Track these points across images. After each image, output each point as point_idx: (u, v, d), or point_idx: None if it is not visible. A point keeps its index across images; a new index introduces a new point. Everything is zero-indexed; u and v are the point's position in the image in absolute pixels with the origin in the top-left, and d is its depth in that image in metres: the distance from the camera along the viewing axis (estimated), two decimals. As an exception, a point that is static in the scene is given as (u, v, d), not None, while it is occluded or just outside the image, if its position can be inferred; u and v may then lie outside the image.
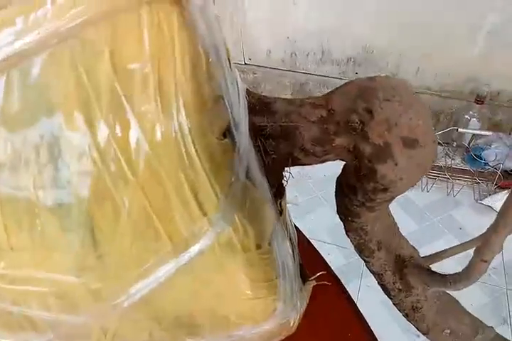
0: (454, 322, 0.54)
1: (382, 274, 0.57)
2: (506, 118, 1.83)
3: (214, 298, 0.26)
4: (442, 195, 1.82)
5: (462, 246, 0.56)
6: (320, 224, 1.68)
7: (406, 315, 0.57)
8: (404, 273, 0.54)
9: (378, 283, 0.59)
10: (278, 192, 0.39)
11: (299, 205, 1.77)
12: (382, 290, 0.59)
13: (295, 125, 0.40)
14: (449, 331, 0.54)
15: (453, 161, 1.92)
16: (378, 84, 0.36)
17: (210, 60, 0.21)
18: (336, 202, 0.55)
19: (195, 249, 0.22)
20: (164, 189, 0.21)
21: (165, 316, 0.26)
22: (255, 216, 0.24)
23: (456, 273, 0.44)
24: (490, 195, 1.78)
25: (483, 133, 1.65)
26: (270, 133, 0.40)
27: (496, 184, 1.79)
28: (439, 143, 2.00)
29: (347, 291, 0.55)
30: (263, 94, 0.42)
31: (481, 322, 0.55)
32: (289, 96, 2.12)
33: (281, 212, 0.37)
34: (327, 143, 0.39)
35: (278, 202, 0.38)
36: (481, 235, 0.43)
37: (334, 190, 0.55)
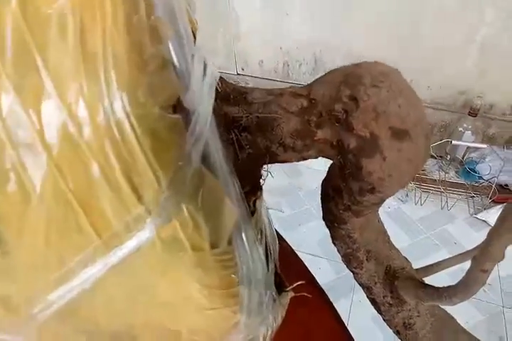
0: (449, 339, 0.50)
1: (371, 287, 0.52)
2: (500, 132, 1.81)
3: (159, 308, 0.21)
4: (436, 208, 1.79)
5: (458, 258, 0.52)
6: (311, 236, 1.63)
7: (397, 333, 0.52)
8: (396, 285, 0.50)
9: (367, 296, 0.54)
10: (253, 190, 0.35)
11: (289, 217, 1.73)
12: (372, 304, 0.54)
13: (273, 116, 0.36)
14: (444, 351, 0.49)
15: (447, 175, 1.90)
16: (365, 69, 0.33)
17: (154, 16, 0.18)
18: (322, 207, 0.50)
19: (129, 244, 0.18)
20: (88, 169, 0.17)
21: (98, 330, 0.22)
22: (211, 209, 0.20)
23: (452, 286, 0.40)
24: (485, 209, 1.74)
25: (477, 145, 1.63)
26: (246, 126, 0.36)
27: (490, 198, 1.76)
28: (432, 156, 1.98)
29: (333, 306, 0.51)
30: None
31: (477, 340, 0.50)
32: (281, 107, 2.10)
33: (253, 212, 0.32)
34: (308, 137, 0.35)
35: (252, 201, 0.34)
36: (479, 244, 0.39)
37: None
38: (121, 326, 0.22)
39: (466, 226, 1.71)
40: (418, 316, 0.50)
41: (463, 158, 1.84)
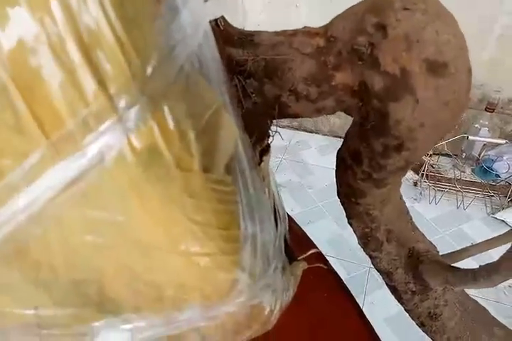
0: (482, 334, 0.44)
1: (391, 272, 0.47)
2: (519, 129, 1.74)
3: (132, 250, 0.16)
4: (452, 207, 1.71)
5: (489, 243, 0.46)
6: (321, 235, 1.57)
7: (421, 324, 0.46)
8: (420, 270, 0.44)
9: (387, 284, 0.49)
10: (260, 142, 0.30)
11: (299, 216, 1.67)
12: (392, 293, 0.49)
13: (284, 59, 0.31)
14: (476, 345, 0.43)
15: (462, 173, 1.83)
16: (394, -6, 0.27)
17: None
18: (337, 180, 0.45)
19: (89, 152, 0.13)
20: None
21: (56, 279, 0.17)
22: (202, 121, 0.15)
23: (491, 263, 0.34)
24: (503, 208, 1.67)
25: (495, 141, 1.56)
26: (251, 71, 0.31)
27: (508, 197, 1.69)
28: (446, 155, 1.91)
29: (350, 293, 0.45)
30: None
31: (515, 334, 0.44)
32: (290, 104, 2.06)
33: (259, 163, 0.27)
34: (325, 82, 0.30)
35: (258, 152, 0.29)
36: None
37: (336, 200, 0.46)
38: (85, 273, 0.17)
39: (483, 226, 1.63)
40: (445, 305, 0.44)
41: (479, 156, 1.77)
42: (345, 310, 0.41)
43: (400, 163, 0.34)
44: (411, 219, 0.48)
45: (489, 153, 1.78)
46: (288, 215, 0.49)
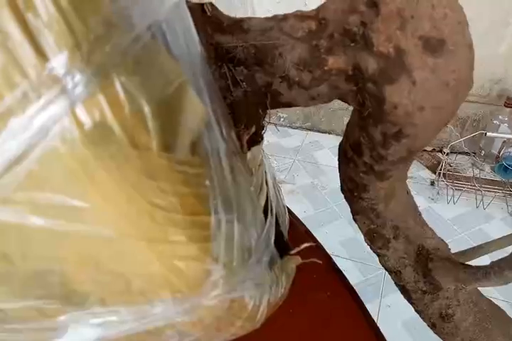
0: (499, 336, 0.41)
1: (400, 271, 0.45)
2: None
3: (94, 239, 0.15)
4: (471, 207, 1.66)
5: (506, 240, 0.43)
6: (334, 236, 1.54)
7: (433, 326, 0.44)
8: (430, 268, 0.42)
9: (396, 283, 0.47)
10: (248, 129, 0.28)
11: (312, 217, 1.64)
12: (402, 293, 0.46)
13: (274, 44, 0.30)
14: (492, 347, 0.40)
15: (481, 172, 1.77)
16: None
17: None
18: (340, 175, 0.44)
19: (30, 128, 0.12)
20: None
21: (13, 269, 0.15)
22: (162, 98, 0.14)
23: (502, 258, 0.32)
24: (525, 207, 1.61)
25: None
26: (241, 58, 0.30)
27: (531, 196, 1.63)
28: (465, 153, 1.86)
29: (355, 292, 0.43)
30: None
31: (535, 337, 0.41)
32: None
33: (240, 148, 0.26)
34: (317, 67, 0.29)
35: (245, 140, 0.27)
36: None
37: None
38: (44, 263, 0.15)
39: (504, 226, 1.58)
40: (458, 305, 0.42)
41: (499, 153, 1.71)
42: (349, 310, 0.39)
43: (401, 152, 0.32)
44: (420, 214, 0.46)
45: (510, 150, 1.72)
46: (291, 212, 0.47)
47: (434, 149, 1.95)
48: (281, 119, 2.16)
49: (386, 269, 0.47)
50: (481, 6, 1.40)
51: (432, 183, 1.78)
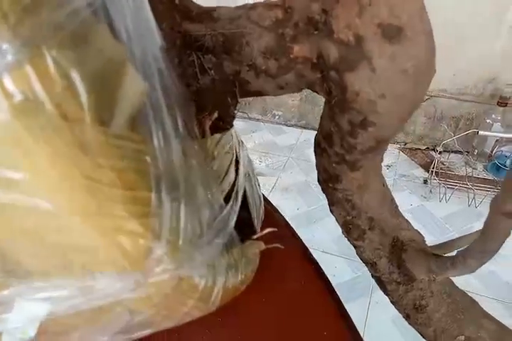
0: (470, 326, 0.41)
1: (375, 262, 0.45)
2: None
3: (31, 212, 0.15)
4: (463, 206, 1.67)
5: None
6: (326, 234, 1.55)
7: (407, 317, 0.44)
8: (403, 259, 0.42)
9: (372, 275, 0.47)
10: (218, 124, 0.29)
11: (305, 214, 1.65)
12: (378, 284, 0.47)
13: (242, 33, 0.30)
14: (463, 338, 0.41)
15: (474, 170, 1.78)
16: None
17: None
18: (316, 167, 0.44)
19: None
20: None
21: None
22: (98, 72, 0.14)
23: (460, 252, 0.32)
24: (517, 206, 1.61)
25: (507, 135, 1.51)
26: (210, 46, 0.30)
27: (523, 195, 1.63)
28: (458, 152, 1.87)
29: (329, 281, 0.44)
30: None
31: (508, 329, 0.41)
32: (297, 102, 2.04)
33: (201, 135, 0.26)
34: (283, 55, 0.29)
35: (207, 125, 0.27)
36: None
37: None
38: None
39: (496, 225, 1.58)
40: (431, 296, 0.42)
41: (492, 152, 1.72)
42: (321, 300, 0.40)
43: (369, 141, 0.33)
44: (396, 207, 0.46)
45: (502, 149, 1.72)
46: (271, 205, 0.48)
47: (427, 148, 1.96)
48: (277, 117, 2.16)
49: (362, 260, 0.47)
50: (474, 6, 1.40)
51: (425, 181, 1.79)
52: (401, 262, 0.43)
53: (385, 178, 0.43)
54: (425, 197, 1.73)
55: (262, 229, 0.36)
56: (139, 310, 0.20)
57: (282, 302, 0.38)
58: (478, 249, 0.29)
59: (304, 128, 2.12)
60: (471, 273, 0.35)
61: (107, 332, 0.21)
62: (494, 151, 1.72)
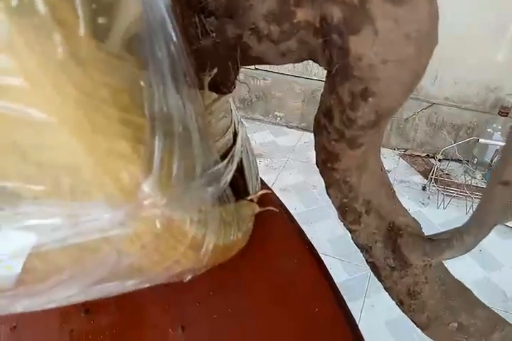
0: (463, 313, 0.41)
1: (370, 247, 0.45)
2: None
3: (16, 124, 0.15)
4: (460, 213, 1.66)
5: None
6: (323, 235, 1.54)
7: (400, 303, 0.44)
8: (399, 244, 0.42)
9: (367, 261, 0.46)
10: (218, 85, 0.28)
11: (302, 215, 1.64)
12: (372, 271, 0.46)
13: (245, -4, 0.30)
14: (456, 324, 0.40)
15: (473, 179, 1.78)
16: None
17: None
18: (315, 147, 0.44)
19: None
20: None
21: None
22: None
23: (455, 229, 0.32)
24: (514, 215, 1.60)
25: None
26: (212, 9, 0.30)
27: (521, 204, 1.62)
28: (458, 160, 1.86)
29: (323, 263, 0.43)
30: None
31: (500, 317, 0.41)
32: (299, 104, 2.05)
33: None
34: (286, 19, 0.29)
35: (205, 81, 0.27)
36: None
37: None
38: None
39: (492, 234, 1.56)
40: (425, 283, 0.42)
41: (491, 162, 1.72)
42: (314, 279, 0.39)
43: (369, 115, 0.33)
44: (394, 192, 0.46)
45: (502, 158, 1.72)
46: (265, 184, 0.47)
47: (427, 155, 1.96)
48: (278, 118, 2.17)
49: (357, 246, 0.47)
50: (477, 14, 1.41)
51: (424, 188, 1.78)
52: (396, 247, 0.42)
53: (394, 190, 0.43)
54: (423, 204, 1.73)
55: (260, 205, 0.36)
56: (127, 250, 0.20)
57: (275, 279, 0.38)
58: (475, 222, 0.29)
59: (305, 130, 2.13)
60: (466, 253, 0.34)
61: (94, 275, 0.20)
62: (494, 161, 1.72)
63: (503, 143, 1.55)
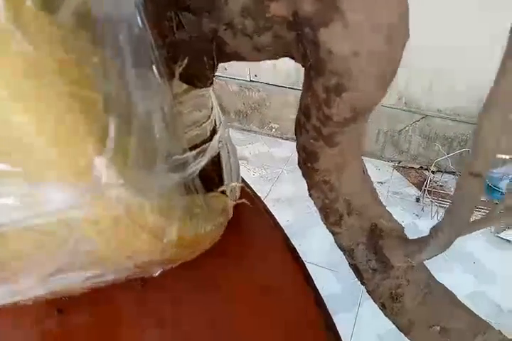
0: (446, 317, 0.40)
1: (352, 249, 0.44)
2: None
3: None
4: (454, 225, 1.65)
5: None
6: (315, 246, 1.52)
7: (383, 307, 0.43)
8: (380, 245, 0.41)
9: (349, 264, 0.46)
10: (190, 76, 0.28)
11: (294, 226, 1.63)
12: (355, 274, 0.45)
13: (221, -10, 0.30)
14: (438, 328, 0.39)
15: (467, 191, 1.77)
16: None
17: None
18: (296, 148, 0.44)
19: None
20: None
21: None
22: None
23: (433, 227, 0.32)
24: (508, 228, 1.60)
25: (499, 156, 1.51)
26: (188, 4, 0.31)
27: (514, 216, 1.62)
28: (451, 172, 1.87)
29: (305, 267, 0.42)
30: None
31: (483, 321, 0.40)
32: (294, 116, 2.06)
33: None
34: (260, 14, 0.29)
35: (176, 70, 0.27)
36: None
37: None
38: None
39: (487, 245, 1.57)
40: (407, 285, 0.41)
41: (484, 173, 1.72)
42: (294, 281, 0.39)
43: (344, 111, 0.33)
44: (377, 195, 0.45)
45: (495, 170, 1.73)
46: (250, 188, 0.47)
47: (421, 167, 1.97)
48: (273, 130, 2.18)
49: (340, 249, 0.46)
50: (469, 28, 1.44)
51: (418, 200, 1.78)
52: (378, 248, 0.42)
53: (378, 194, 0.43)
54: (417, 215, 1.72)
55: (239, 210, 0.35)
56: (87, 235, 0.19)
57: (255, 280, 0.37)
58: (448, 218, 0.28)
59: (300, 142, 2.13)
60: (442, 252, 0.34)
61: (54, 262, 0.20)
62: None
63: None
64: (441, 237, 0.30)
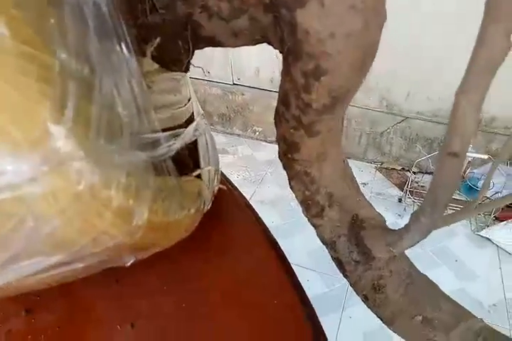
0: (428, 307, 0.40)
1: (335, 242, 0.44)
2: (503, 147, 1.74)
3: None
4: (436, 224, 1.67)
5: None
6: (301, 248, 1.52)
7: (365, 298, 0.42)
8: (362, 236, 0.41)
9: (332, 257, 0.45)
10: (165, 59, 0.28)
11: (280, 228, 1.62)
12: (337, 267, 0.45)
13: (195, -26, 0.30)
14: (420, 318, 0.39)
15: (447, 191, 1.80)
16: None
17: None
18: (276, 139, 0.43)
19: None
20: None
21: None
22: None
23: (411, 214, 0.32)
24: (488, 226, 1.63)
25: (478, 156, 1.55)
26: (163, -12, 0.30)
27: (494, 215, 1.66)
28: (432, 173, 1.90)
29: (287, 260, 0.42)
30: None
31: (465, 310, 0.40)
32: (277, 118, 2.06)
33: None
34: (236, -3, 0.29)
35: (148, 51, 0.26)
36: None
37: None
38: None
39: (468, 243, 1.59)
40: (390, 276, 0.41)
41: (464, 173, 1.75)
42: (275, 273, 0.38)
43: (323, 97, 0.32)
44: (358, 186, 0.45)
45: (474, 171, 1.76)
46: (231, 183, 0.46)
47: (403, 168, 1.99)
48: (257, 133, 2.18)
49: (322, 242, 0.46)
50: (450, 29, 1.47)
51: (400, 200, 1.80)
52: (360, 239, 0.41)
53: (359, 185, 0.43)
54: (399, 215, 1.74)
55: (221, 205, 0.34)
56: (45, 214, 0.18)
57: (234, 272, 0.36)
58: (429, 200, 0.28)
59: (283, 144, 2.13)
60: (423, 239, 0.34)
61: (12, 245, 0.18)
62: (466, 172, 1.76)
63: (475, 155, 1.59)
64: (422, 221, 0.30)
